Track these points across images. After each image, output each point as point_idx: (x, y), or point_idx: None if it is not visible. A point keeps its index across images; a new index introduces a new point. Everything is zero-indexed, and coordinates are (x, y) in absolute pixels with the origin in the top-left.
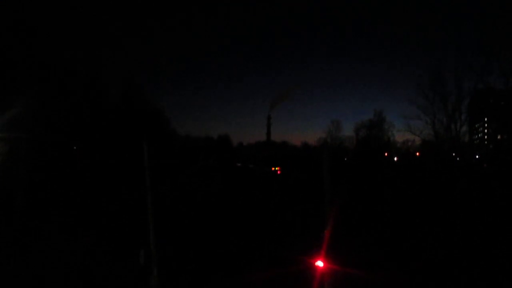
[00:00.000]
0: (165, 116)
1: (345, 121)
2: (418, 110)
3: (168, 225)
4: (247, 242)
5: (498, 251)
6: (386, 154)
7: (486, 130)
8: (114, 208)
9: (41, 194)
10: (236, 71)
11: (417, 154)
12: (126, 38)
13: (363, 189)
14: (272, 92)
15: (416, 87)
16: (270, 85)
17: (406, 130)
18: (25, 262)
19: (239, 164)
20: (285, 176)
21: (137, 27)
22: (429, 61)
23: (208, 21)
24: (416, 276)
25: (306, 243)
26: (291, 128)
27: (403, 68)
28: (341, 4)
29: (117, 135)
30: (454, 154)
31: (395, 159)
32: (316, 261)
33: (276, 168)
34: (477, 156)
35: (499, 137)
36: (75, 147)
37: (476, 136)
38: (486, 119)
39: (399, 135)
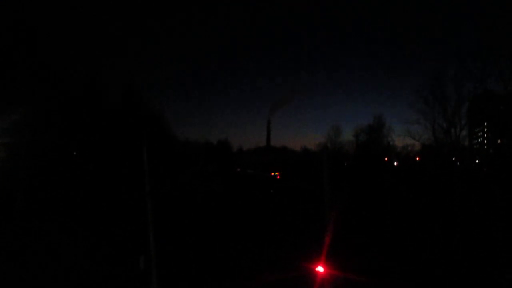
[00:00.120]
0: (165, 120)
1: (345, 126)
2: (417, 114)
3: (168, 226)
4: (246, 246)
5: (498, 255)
6: (386, 158)
7: (486, 135)
8: (113, 210)
9: (41, 197)
10: (236, 76)
11: (417, 158)
12: (126, 43)
13: (363, 193)
14: (272, 97)
15: (416, 91)
16: (270, 91)
17: (405, 134)
18: (25, 263)
19: (238, 170)
20: (284, 181)
21: (137, 32)
22: (428, 66)
23: (209, 26)
24: (417, 281)
25: (305, 247)
26: (291, 133)
27: (402, 73)
28: (341, 10)
29: (117, 139)
30: (454, 158)
31: (395, 163)
32: (317, 266)
33: (276, 173)
34: (477, 161)
35: (499, 141)
36: (75, 153)
37: (476, 141)
38: (485, 123)
39: (399, 140)
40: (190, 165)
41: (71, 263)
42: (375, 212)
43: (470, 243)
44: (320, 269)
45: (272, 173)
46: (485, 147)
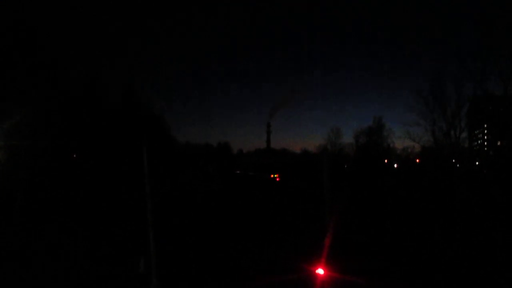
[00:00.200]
0: (165, 122)
1: (345, 127)
2: (417, 116)
3: (168, 226)
4: (245, 246)
5: (499, 257)
6: (386, 160)
7: (486, 136)
8: (113, 210)
9: (41, 199)
10: (236, 78)
11: (417, 160)
12: (126, 44)
13: (364, 195)
14: (272, 99)
15: (415, 93)
16: (270, 93)
17: (405, 136)
18: (25, 263)
19: (238, 172)
20: (284, 183)
21: (137, 33)
22: (428, 68)
23: (209, 28)
24: (417, 282)
25: (305, 248)
26: (291, 135)
27: (402, 75)
28: (341, 12)
29: (117, 140)
30: (454, 160)
31: (395, 165)
32: (317, 268)
33: (275, 175)
34: (477, 163)
35: (499, 143)
36: (74, 155)
37: (476, 142)
38: (485, 125)
39: (399, 142)
40: (190, 166)
41: (71, 263)
42: (376, 214)
43: (470, 244)
44: (320, 271)
45: (272, 175)
46: (485, 149)
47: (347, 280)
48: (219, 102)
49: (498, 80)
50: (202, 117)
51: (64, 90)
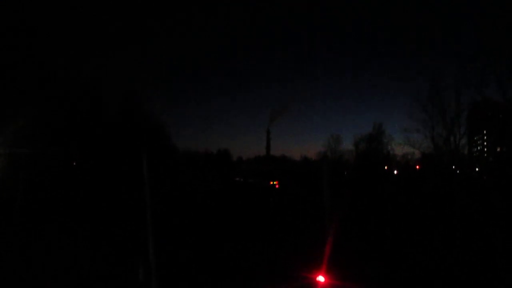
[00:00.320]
0: (165, 130)
1: (345, 134)
2: (416, 123)
3: (168, 228)
4: (245, 256)
5: (499, 263)
6: (386, 167)
7: (485, 143)
8: (113, 212)
9: (41, 199)
10: (235, 86)
11: (417, 167)
12: (125, 53)
13: (364, 202)
14: (271, 106)
15: (415, 100)
16: (270, 100)
17: (405, 143)
18: (25, 263)
19: (237, 179)
20: (283, 190)
21: (136, 43)
22: (427, 74)
23: (207, 36)
24: None
25: (305, 255)
26: (291, 142)
27: (402, 81)
28: (340, 18)
29: (117, 149)
30: (453, 167)
31: (395, 172)
32: (317, 276)
33: (274, 182)
34: (476, 169)
35: (498, 149)
36: (74, 163)
37: (476, 149)
38: (485, 131)
39: (399, 149)
40: (189, 174)
41: (71, 263)
42: (376, 221)
43: (470, 250)
44: (321, 278)
45: (271, 182)
46: (485, 155)
47: (348, 287)
48: (218, 109)
49: (497, 86)
50: (202, 124)
51: (63, 100)
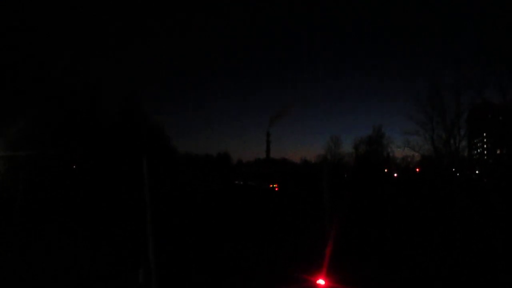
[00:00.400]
0: (165, 133)
1: (344, 137)
2: (416, 125)
3: (168, 228)
4: (245, 257)
5: (499, 264)
6: (386, 169)
7: (485, 145)
8: (113, 212)
9: (41, 199)
10: (235, 88)
11: (417, 169)
12: (125, 53)
13: (364, 205)
14: (271, 109)
15: (415, 102)
16: (269, 103)
17: (405, 146)
18: (25, 263)
19: (237, 182)
20: (283, 192)
21: (136, 43)
22: (427, 77)
23: (207, 37)
24: None
25: (305, 257)
26: (291, 145)
27: (401, 83)
28: (339, 21)
29: (117, 149)
30: (453, 169)
31: (395, 175)
32: (317, 279)
33: (274, 185)
34: (476, 171)
35: (498, 151)
36: (74, 166)
37: (476, 151)
38: (485, 133)
39: (399, 151)
40: (189, 177)
41: (71, 263)
42: (376, 223)
43: (470, 252)
44: (321, 281)
45: (271, 185)
46: (485, 157)
47: None
48: (218, 112)
49: (497, 87)
50: (202, 127)
51: (63, 104)
